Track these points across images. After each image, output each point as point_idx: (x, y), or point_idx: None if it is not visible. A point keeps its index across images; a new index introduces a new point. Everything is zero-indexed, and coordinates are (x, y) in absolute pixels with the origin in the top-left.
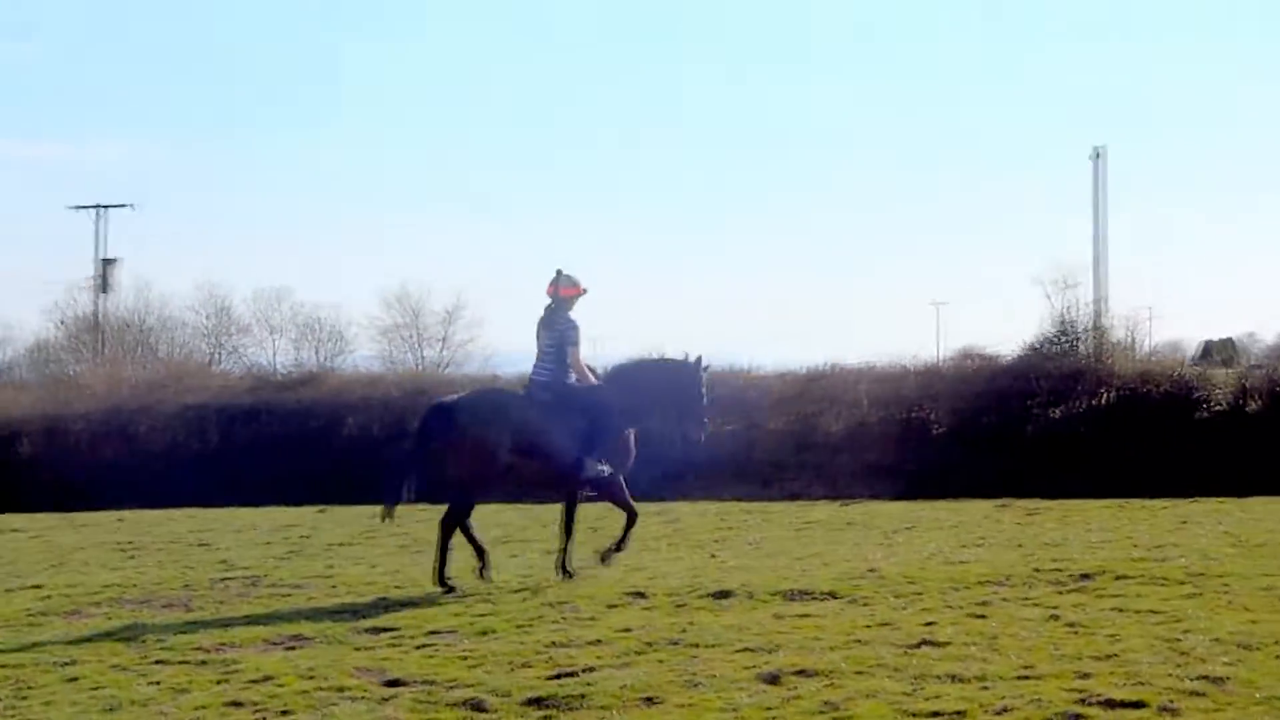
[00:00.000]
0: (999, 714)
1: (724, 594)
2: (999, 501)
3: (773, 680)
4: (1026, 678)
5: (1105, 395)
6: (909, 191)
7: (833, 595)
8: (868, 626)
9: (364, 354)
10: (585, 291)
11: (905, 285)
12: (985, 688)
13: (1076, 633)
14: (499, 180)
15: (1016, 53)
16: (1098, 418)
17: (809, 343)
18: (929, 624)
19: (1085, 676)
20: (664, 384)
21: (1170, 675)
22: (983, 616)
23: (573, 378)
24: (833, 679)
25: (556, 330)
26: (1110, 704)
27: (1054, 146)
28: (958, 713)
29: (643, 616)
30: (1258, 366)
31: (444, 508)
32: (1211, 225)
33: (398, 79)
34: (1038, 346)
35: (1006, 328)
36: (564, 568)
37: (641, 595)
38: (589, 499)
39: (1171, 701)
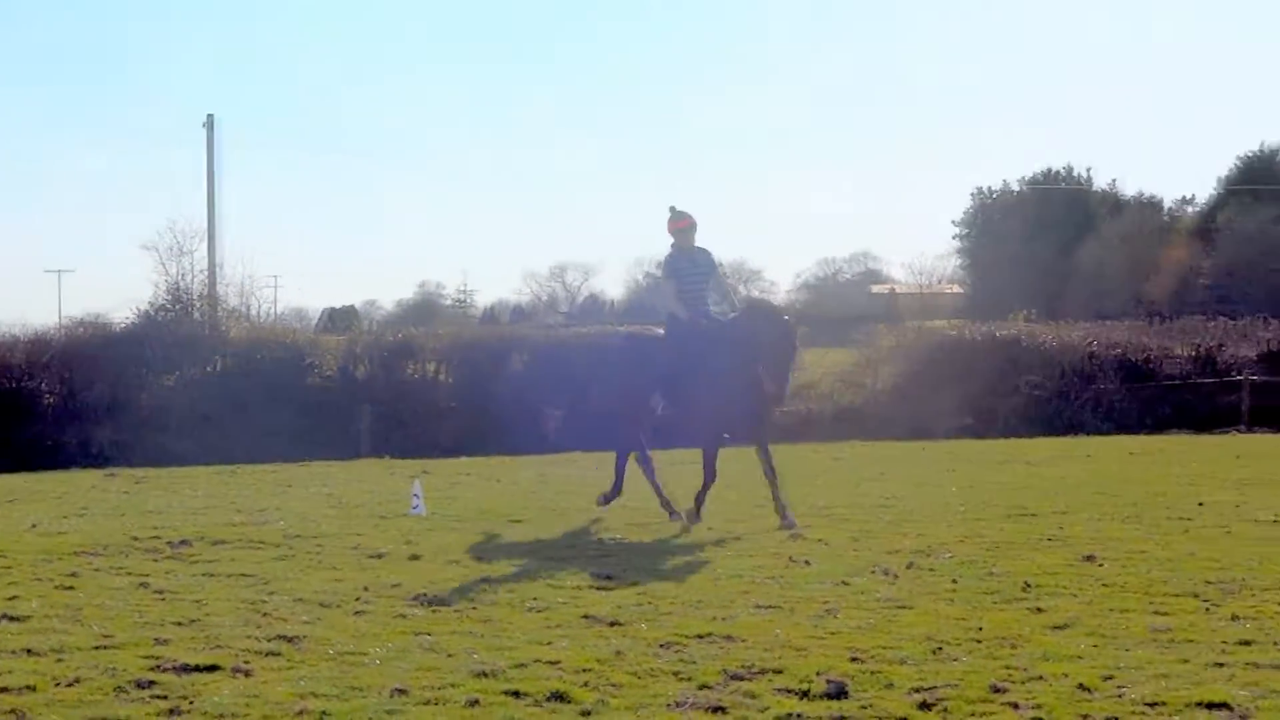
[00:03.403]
0: (70, 685)
1: None
2: (107, 470)
3: None
4: (105, 647)
5: (219, 362)
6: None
7: None
8: None
9: None
10: (686, 224)
11: (22, 251)
12: (60, 660)
13: (163, 599)
14: None
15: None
16: (211, 384)
17: None
18: (12, 598)
19: (164, 642)
20: (773, 336)
21: (249, 637)
22: (70, 588)
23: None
24: None
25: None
26: (185, 668)
27: (179, 116)
28: (27, 687)
29: None
30: (368, 332)
31: None
32: (337, 197)
33: None
34: (152, 314)
35: (129, 295)
36: (782, 514)
37: None
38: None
39: (246, 662)
